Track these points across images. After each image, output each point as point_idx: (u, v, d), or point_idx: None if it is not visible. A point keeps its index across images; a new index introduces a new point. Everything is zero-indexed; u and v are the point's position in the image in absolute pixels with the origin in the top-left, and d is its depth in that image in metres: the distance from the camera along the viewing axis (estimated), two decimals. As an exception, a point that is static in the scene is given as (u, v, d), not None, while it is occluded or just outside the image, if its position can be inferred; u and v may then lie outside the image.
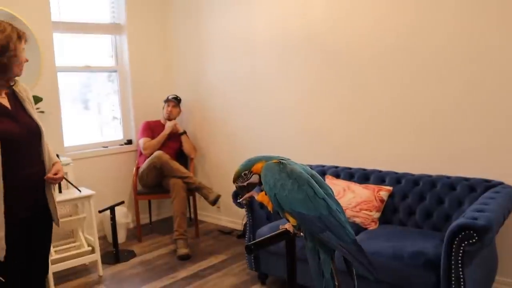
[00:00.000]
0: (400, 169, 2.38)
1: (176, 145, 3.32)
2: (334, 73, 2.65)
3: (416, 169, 2.33)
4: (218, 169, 3.41)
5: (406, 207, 2.24)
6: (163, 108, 3.32)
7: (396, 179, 2.32)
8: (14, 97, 1.49)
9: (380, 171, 2.41)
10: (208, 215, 3.55)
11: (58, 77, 3.00)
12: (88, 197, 2.48)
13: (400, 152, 2.41)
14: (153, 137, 3.23)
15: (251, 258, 2.35)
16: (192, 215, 3.41)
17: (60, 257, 2.43)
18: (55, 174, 1.51)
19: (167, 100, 3.32)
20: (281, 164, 1.08)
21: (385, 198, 2.28)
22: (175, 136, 3.30)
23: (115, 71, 3.47)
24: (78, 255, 2.50)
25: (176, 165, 3.00)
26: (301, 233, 1.10)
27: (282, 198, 1.06)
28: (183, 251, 2.78)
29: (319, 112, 2.76)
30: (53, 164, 1.55)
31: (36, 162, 1.48)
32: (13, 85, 1.51)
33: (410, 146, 2.37)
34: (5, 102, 1.46)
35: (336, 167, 2.59)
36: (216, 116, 3.37)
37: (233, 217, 3.37)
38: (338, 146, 2.68)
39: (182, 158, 3.35)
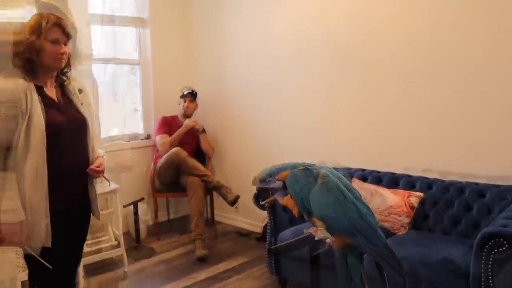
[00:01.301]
0: (432, 175, 2.40)
1: (194, 142, 3.38)
2: (357, 73, 2.66)
3: (448, 176, 2.36)
4: (237, 168, 3.45)
5: (436, 213, 2.27)
6: (180, 104, 3.38)
7: (427, 185, 2.35)
8: (62, 89, 1.58)
9: (410, 176, 2.44)
10: (226, 215, 3.59)
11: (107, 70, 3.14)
12: (115, 191, 2.58)
13: (432, 158, 2.43)
14: (170, 133, 3.25)
15: (272, 262, 2.36)
16: (209, 215, 3.48)
17: (90, 250, 2.56)
18: (98, 167, 1.60)
19: (183, 96, 3.33)
20: (307, 170, 1.15)
21: (416, 204, 2.29)
22: (194, 134, 3.36)
23: (138, 64, 3.58)
24: (106, 248, 2.63)
25: (194, 162, 3.07)
26: (327, 239, 1.15)
27: (309, 202, 1.12)
28: (201, 252, 2.83)
29: (345, 114, 2.77)
30: (96, 158, 1.66)
31: (80, 155, 1.56)
32: (64, 78, 1.58)
33: (443, 153, 2.40)
34: (52, 95, 1.54)
35: (363, 170, 2.61)
36: (237, 113, 3.41)
37: (251, 218, 3.39)
38: (366, 148, 2.70)
39: (201, 156, 3.41)
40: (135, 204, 2.91)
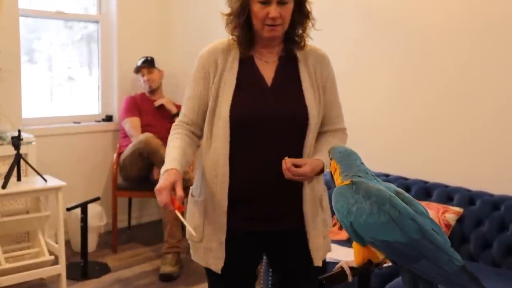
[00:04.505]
0: (475, 186, 2.33)
1: (166, 125, 3.21)
2: (390, 56, 2.58)
3: (498, 188, 2.26)
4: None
5: (480, 236, 2.20)
6: (139, 80, 3.28)
7: (468, 198, 2.28)
8: (289, 64, 1.40)
9: (446, 186, 2.39)
10: None
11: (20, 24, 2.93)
12: (55, 189, 2.42)
13: (477, 164, 2.35)
14: (140, 116, 3.16)
15: (268, 285, 2.30)
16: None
17: (10, 267, 2.36)
18: (297, 166, 1.31)
19: (137, 69, 3.24)
20: (354, 185, 1.11)
21: (452, 222, 2.23)
22: (167, 114, 3.22)
23: (97, 22, 3.40)
24: (35, 265, 2.43)
25: None
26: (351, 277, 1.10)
27: (359, 225, 1.07)
28: (168, 268, 2.72)
29: (365, 101, 2.70)
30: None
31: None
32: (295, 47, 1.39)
33: (492, 157, 2.31)
34: (267, 70, 1.37)
35: (387, 175, 2.55)
36: None
37: None
38: (390, 148, 2.63)
39: None
40: (84, 206, 2.73)
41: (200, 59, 1.39)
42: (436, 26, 2.43)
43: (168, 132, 3.17)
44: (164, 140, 2.98)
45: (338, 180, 1.15)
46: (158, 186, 1.25)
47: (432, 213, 2.24)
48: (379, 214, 1.05)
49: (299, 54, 1.40)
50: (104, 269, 2.79)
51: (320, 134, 1.44)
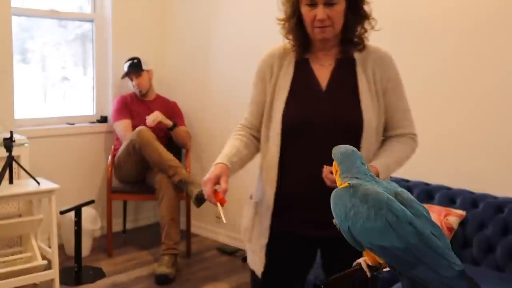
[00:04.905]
0: (478, 188, 2.32)
1: (163, 134, 3.20)
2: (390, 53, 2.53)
3: (501, 191, 2.26)
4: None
5: (483, 240, 2.19)
6: (129, 84, 3.27)
7: (471, 201, 2.27)
8: (346, 67, 1.38)
9: (449, 189, 2.37)
10: (204, 226, 3.50)
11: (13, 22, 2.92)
12: (49, 192, 2.41)
13: (480, 165, 2.35)
14: (132, 118, 3.15)
15: None
16: (183, 226, 3.30)
17: (2, 272, 2.35)
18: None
19: (125, 75, 3.22)
20: (351, 188, 1.09)
21: (455, 226, 2.22)
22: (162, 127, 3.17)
23: (91, 20, 3.39)
24: (27, 270, 2.42)
25: (161, 149, 2.88)
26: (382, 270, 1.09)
27: (356, 230, 1.05)
28: (164, 269, 2.70)
29: None
30: None
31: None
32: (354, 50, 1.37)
33: (495, 158, 2.30)
34: (322, 74, 1.38)
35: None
36: (223, 95, 3.30)
37: (237, 232, 3.25)
38: None
39: (176, 150, 3.23)
40: (77, 209, 2.71)
41: (259, 64, 1.44)
42: (435, 20, 2.41)
43: (160, 133, 3.21)
44: (161, 140, 2.97)
45: (339, 182, 1.12)
46: (204, 178, 1.31)
47: (434, 216, 2.23)
48: (376, 219, 1.03)
49: (357, 56, 1.38)
50: (99, 274, 2.79)
51: (385, 139, 1.42)
